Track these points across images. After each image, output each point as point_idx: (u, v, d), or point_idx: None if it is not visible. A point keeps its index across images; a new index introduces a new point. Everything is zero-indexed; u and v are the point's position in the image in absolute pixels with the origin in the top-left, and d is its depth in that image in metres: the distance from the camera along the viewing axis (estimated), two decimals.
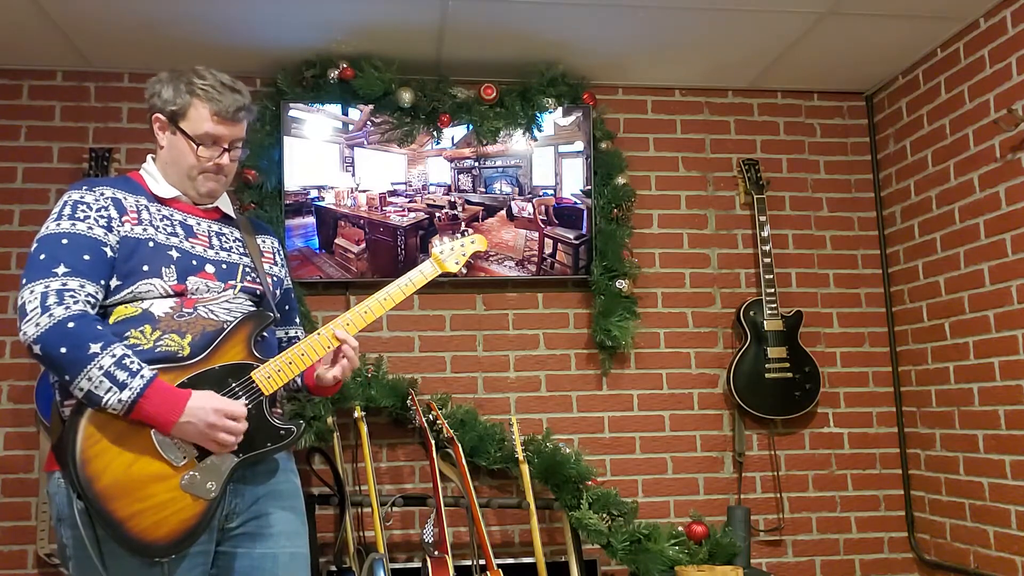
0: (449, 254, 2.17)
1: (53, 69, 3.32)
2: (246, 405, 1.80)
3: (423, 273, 2.11)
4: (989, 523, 3.03)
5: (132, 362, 1.69)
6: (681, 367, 3.48)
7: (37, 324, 1.67)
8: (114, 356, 1.67)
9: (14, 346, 3.14)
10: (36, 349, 1.68)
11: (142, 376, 1.68)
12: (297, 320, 2.18)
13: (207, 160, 1.91)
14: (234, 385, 1.80)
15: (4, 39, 3.08)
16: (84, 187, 1.86)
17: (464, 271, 2.35)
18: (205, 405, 1.72)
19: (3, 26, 2.98)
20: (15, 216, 3.23)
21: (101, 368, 1.66)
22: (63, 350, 1.66)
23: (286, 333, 2.12)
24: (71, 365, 1.66)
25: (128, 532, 1.66)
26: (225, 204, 2.04)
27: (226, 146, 1.93)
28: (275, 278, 2.06)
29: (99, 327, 1.71)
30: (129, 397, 1.66)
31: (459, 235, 2.23)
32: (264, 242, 2.10)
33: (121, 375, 1.66)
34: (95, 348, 1.67)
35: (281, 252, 2.17)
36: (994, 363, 2.99)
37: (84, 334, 1.68)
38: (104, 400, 1.66)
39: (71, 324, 1.67)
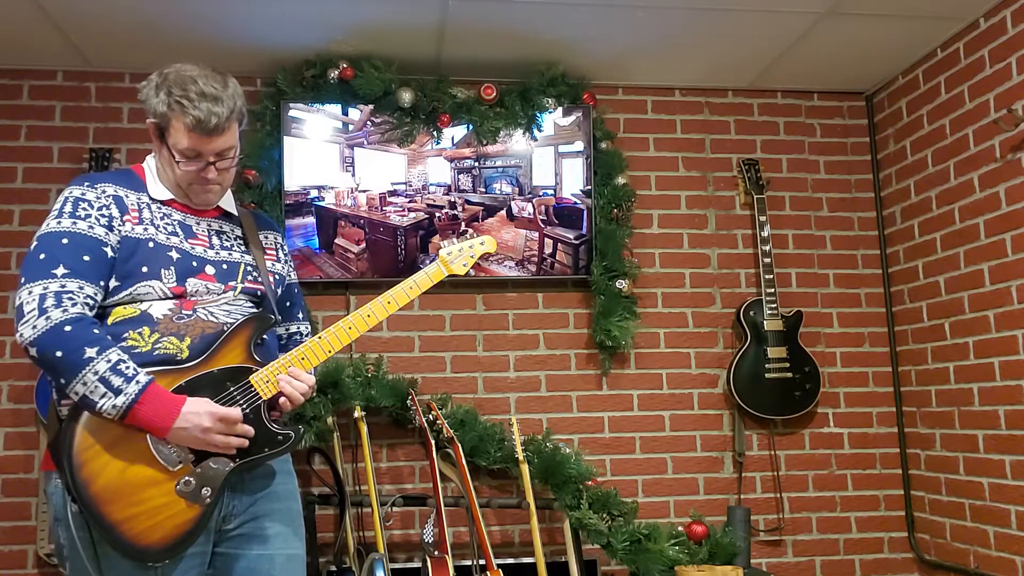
0: (457, 256, 2.11)
1: (53, 69, 3.32)
2: (244, 409, 1.79)
3: (429, 276, 2.06)
4: (989, 523, 3.03)
5: (128, 367, 1.68)
6: (681, 367, 3.48)
7: (34, 327, 1.66)
8: (109, 361, 1.66)
9: (14, 346, 3.14)
10: (32, 352, 1.67)
11: (137, 382, 1.67)
12: (300, 316, 2.12)
13: (191, 174, 1.84)
14: (232, 389, 1.79)
15: (4, 39, 3.08)
16: (86, 183, 1.82)
17: (472, 272, 2.32)
18: (200, 410, 1.71)
19: (3, 26, 2.99)
20: (15, 216, 3.23)
21: (96, 373, 1.65)
22: (59, 354, 1.65)
23: (287, 330, 2.08)
24: (67, 369, 1.65)
25: (122, 536, 1.66)
26: (227, 201, 1.99)
27: (211, 159, 1.83)
28: (277, 275, 2.03)
29: (96, 331, 1.70)
30: (124, 403, 1.66)
31: (466, 236, 2.16)
32: (267, 238, 2.07)
33: (116, 380, 1.66)
34: (91, 352, 1.66)
35: (284, 247, 2.12)
36: (994, 363, 2.99)
37: (80, 338, 1.66)
38: (99, 405, 1.65)
39: (68, 328, 1.66)
